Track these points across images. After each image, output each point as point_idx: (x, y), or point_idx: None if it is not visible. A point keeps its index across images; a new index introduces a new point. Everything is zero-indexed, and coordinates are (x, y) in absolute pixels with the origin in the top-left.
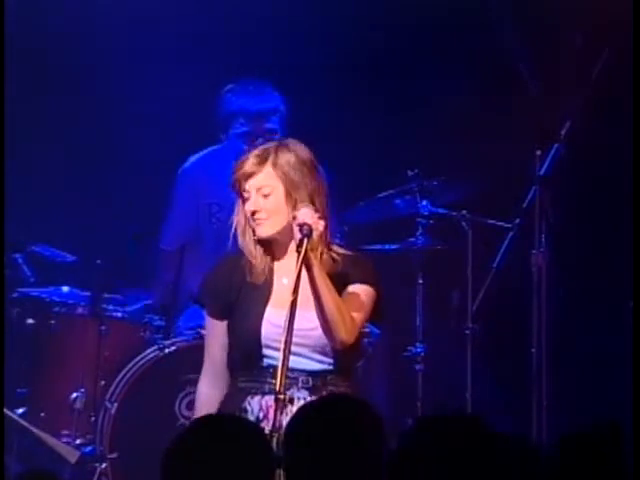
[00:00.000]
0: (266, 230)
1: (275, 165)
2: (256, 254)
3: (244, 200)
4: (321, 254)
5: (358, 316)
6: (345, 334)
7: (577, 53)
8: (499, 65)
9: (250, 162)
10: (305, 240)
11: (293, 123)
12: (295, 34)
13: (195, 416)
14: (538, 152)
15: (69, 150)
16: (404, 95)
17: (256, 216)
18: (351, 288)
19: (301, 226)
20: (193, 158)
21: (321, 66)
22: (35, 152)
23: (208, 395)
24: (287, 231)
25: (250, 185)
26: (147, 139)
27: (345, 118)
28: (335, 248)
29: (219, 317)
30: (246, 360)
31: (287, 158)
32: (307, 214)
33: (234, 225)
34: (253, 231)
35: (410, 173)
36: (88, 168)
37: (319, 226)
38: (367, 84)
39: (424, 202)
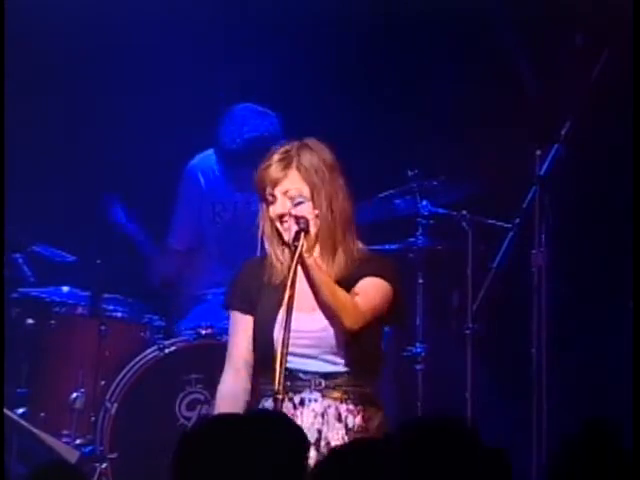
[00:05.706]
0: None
1: (299, 168)
2: (283, 258)
3: (268, 204)
4: (335, 252)
5: (362, 302)
6: (348, 320)
7: (577, 53)
8: (499, 65)
9: (274, 168)
10: (302, 234)
11: (293, 123)
12: (294, 34)
13: (216, 411)
14: (538, 152)
15: (69, 150)
16: (404, 95)
17: (284, 219)
18: (361, 282)
19: (298, 219)
20: (198, 157)
21: (320, 66)
22: (35, 152)
23: (230, 391)
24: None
25: (277, 190)
26: (148, 139)
27: (345, 118)
28: (359, 249)
29: (245, 311)
30: (262, 362)
31: (309, 159)
32: (305, 209)
33: (260, 231)
34: (279, 235)
35: (410, 173)
36: (88, 168)
37: (316, 222)
38: (367, 84)
39: (424, 202)
